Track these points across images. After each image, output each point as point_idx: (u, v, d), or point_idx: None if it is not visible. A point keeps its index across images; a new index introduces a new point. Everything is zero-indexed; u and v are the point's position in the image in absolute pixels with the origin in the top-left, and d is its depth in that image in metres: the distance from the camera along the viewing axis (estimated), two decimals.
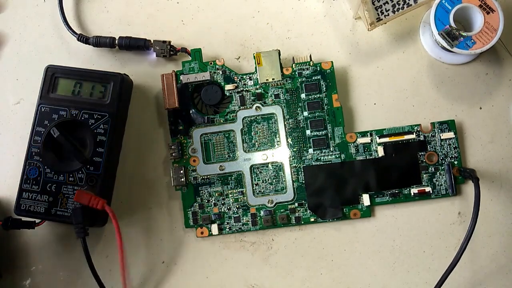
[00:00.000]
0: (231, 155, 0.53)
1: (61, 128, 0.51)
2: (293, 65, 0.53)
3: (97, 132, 0.51)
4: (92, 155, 0.51)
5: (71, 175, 0.51)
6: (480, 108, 0.54)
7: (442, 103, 0.54)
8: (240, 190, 0.53)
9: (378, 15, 0.52)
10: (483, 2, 0.50)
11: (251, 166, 0.53)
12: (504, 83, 0.54)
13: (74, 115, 0.51)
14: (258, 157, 0.53)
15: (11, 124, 0.56)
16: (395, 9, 0.52)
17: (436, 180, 0.52)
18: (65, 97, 0.52)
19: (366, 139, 0.53)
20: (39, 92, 0.52)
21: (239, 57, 0.56)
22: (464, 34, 0.50)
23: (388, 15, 0.52)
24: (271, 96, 0.54)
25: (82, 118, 0.51)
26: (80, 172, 0.51)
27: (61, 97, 0.52)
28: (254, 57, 0.53)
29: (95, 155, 0.51)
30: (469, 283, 0.52)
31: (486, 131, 0.54)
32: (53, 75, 0.52)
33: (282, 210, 0.53)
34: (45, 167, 0.51)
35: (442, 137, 0.52)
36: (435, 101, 0.54)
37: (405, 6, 0.52)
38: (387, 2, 0.52)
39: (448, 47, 0.50)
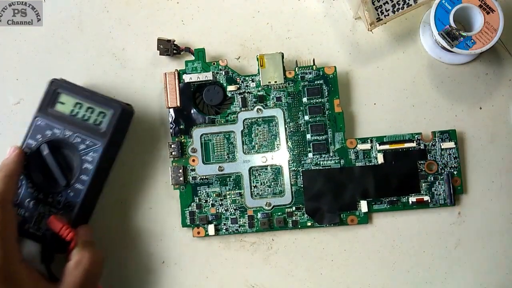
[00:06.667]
0: (231, 156, 0.53)
1: (51, 146, 0.50)
2: (296, 68, 0.53)
3: (85, 159, 0.49)
4: (75, 181, 0.49)
5: (50, 196, 0.50)
6: (480, 108, 0.54)
7: (442, 103, 0.54)
8: (238, 191, 0.53)
9: (378, 15, 0.52)
10: (483, 2, 0.50)
11: (250, 168, 0.53)
12: (504, 83, 0.54)
13: (66, 136, 0.50)
14: (257, 159, 0.53)
15: (11, 124, 0.56)
16: (395, 9, 0.52)
17: (435, 190, 0.52)
18: (63, 115, 0.50)
19: (366, 146, 0.53)
20: (38, 104, 0.51)
21: (239, 57, 0.56)
22: (464, 34, 0.50)
23: (388, 15, 0.52)
24: (272, 98, 0.53)
25: (74, 141, 0.50)
26: (59, 195, 0.49)
27: (59, 114, 0.50)
28: (257, 59, 0.53)
29: (78, 181, 0.49)
30: (469, 283, 0.52)
31: (486, 131, 0.54)
32: (55, 90, 0.50)
33: (279, 213, 0.53)
34: (28, 181, 0.49)
35: (442, 147, 0.52)
36: (435, 101, 0.54)
37: (405, 6, 0.52)
38: (387, 2, 0.52)
39: (448, 47, 0.50)
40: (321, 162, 0.53)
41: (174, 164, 0.53)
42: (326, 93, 0.53)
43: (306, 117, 0.53)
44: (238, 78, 0.54)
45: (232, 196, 0.53)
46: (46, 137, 0.50)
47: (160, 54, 0.55)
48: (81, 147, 0.49)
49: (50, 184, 0.49)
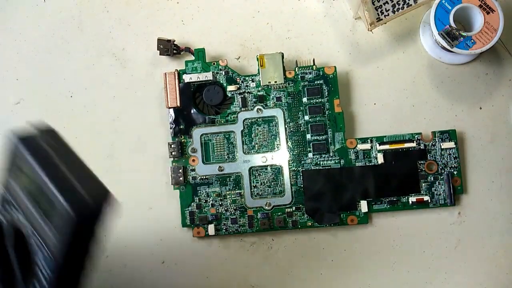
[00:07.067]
0: (231, 156, 0.53)
1: (15, 232, 0.33)
2: (296, 68, 0.53)
3: (41, 274, 0.31)
4: None
5: None
6: (480, 108, 0.54)
7: (442, 103, 0.54)
8: (238, 191, 0.53)
9: (378, 15, 0.52)
10: (483, 2, 0.50)
11: (250, 168, 0.53)
12: (504, 83, 0.54)
13: (26, 229, 0.32)
14: (257, 159, 0.53)
15: (11, 124, 0.55)
16: (395, 9, 0.52)
17: (435, 190, 0.52)
18: (26, 198, 0.31)
19: (366, 146, 0.52)
20: (4, 168, 0.33)
21: (239, 57, 0.56)
22: (464, 34, 0.50)
23: (388, 15, 0.52)
24: (272, 98, 0.53)
25: (30, 240, 0.32)
26: None
27: (22, 194, 0.31)
28: (257, 59, 0.53)
29: None
30: (469, 283, 0.52)
31: (486, 131, 0.54)
32: (16, 153, 0.31)
33: (279, 213, 0.53)
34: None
35: (442, 147, 0.52)
36: (435, 101, 0.54)
37: (405, 6, 0.52)
38: (387, 2, 0.52)
39: (448, 47, 0.50)
40: (321, 162, 0.53)
41: (174, 164, 0.53)
42: (326, 93, 0.53)
43: (306, 117, 0.53)
44: (238, 78, 0.54)
45: (232, 196, 0.53)
46: (10, 217, 0.33)
47: (160, 54, 0.55)
48: (39, 255, 0.31)
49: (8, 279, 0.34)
